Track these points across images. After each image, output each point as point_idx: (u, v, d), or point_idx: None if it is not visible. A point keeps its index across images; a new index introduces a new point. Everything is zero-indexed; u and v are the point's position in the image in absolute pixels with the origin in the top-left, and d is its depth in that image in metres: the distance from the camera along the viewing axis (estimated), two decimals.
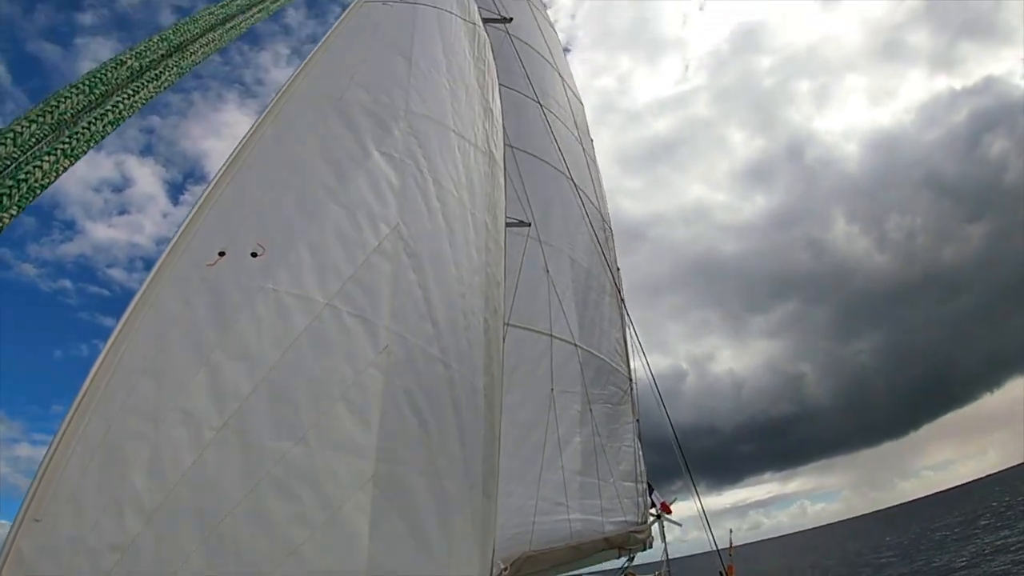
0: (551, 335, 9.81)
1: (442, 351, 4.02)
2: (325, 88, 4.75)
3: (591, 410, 10.02)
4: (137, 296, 3.21)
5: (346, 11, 5.70)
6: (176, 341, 3.17)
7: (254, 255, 3.58)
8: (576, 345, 10.23)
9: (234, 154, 4.02)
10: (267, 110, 4.38)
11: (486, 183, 5.25)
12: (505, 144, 9.27)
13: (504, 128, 7.33)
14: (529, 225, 9.70)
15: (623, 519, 9.74)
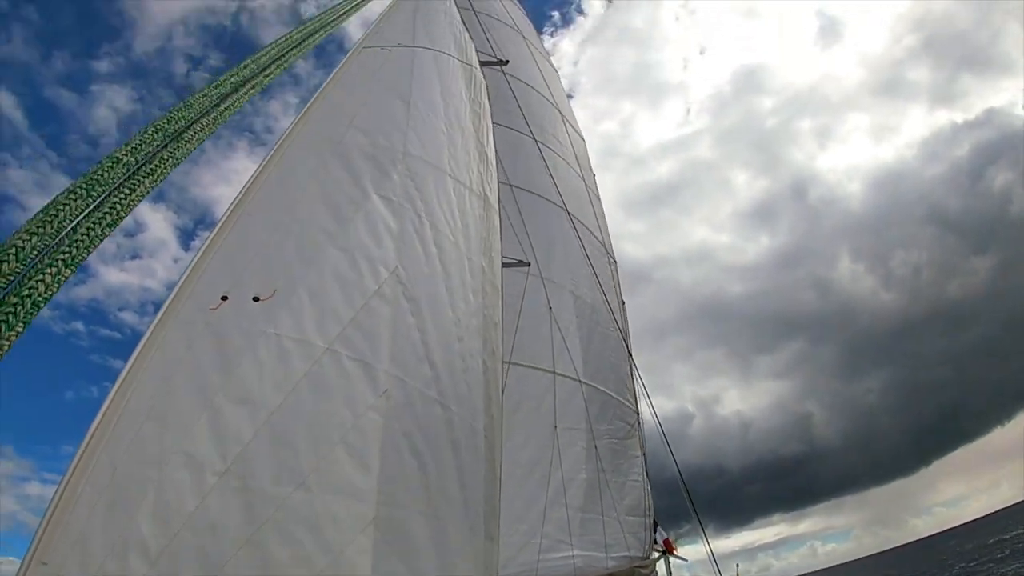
0: (554, 372, 9.81)
1: (441, 393, 4.05)
2: (325, 132, 4.83)
3: (596, 446, 9.97)
4: (143, 339, 3.25)
5: (347, 57, 5.82)
6: (180, 385, 3.20)
7: (256, 299, 3.63)
8: (580, 381, 10.21)
9: (237, 199, 4.09)
10: (269, 156, 4.45)
11: (481, 227, 5.33)
12: (505, 183, 9.41)
13: (504, 167, 7.41)
14: (529, 265, 9.76)
15: (627, 554, 9.63)
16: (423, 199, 4.84)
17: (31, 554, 2.46)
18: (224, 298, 3.56)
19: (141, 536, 2.70)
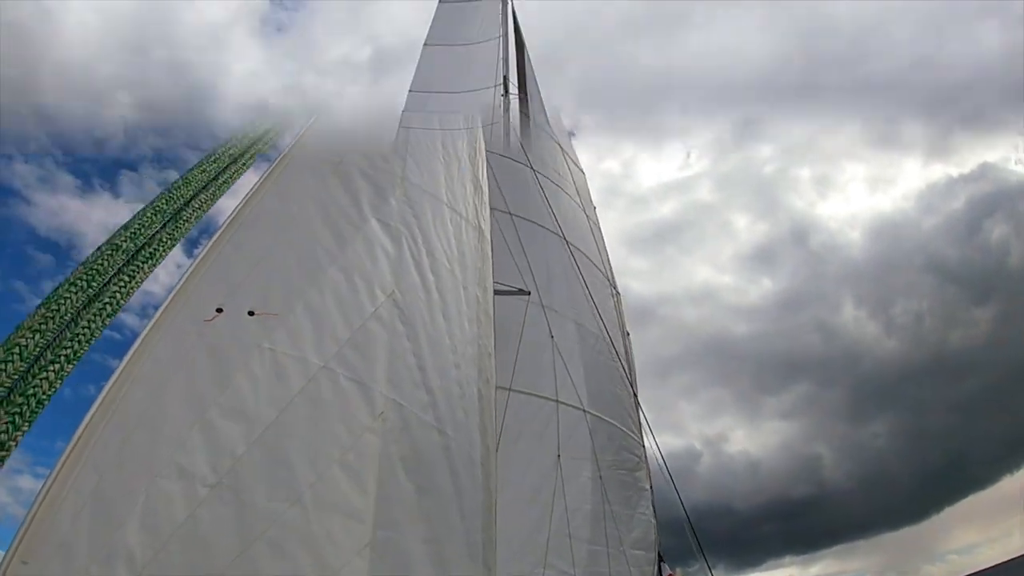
0: (557, 400, 9.69)
1: (437, 419, 4.03)
2: (325, 152, 4.91)
3: (601, 476, 9.79)
4: (135, 346, 3.26)
5: None
6: (172, 394, 3.21)
7: (251, 313, 3.64)
8: (585, 411, 10.05)
9: (235, 212, 4.13)
10: (268, 171, 4.52)
11: (476, 257, 5.38)
12: (505, 211, 9.44)
13: (503, 196, 7.44)
14: (528, 294, 9.72)
15: None
16: (420, 227, 4.89)
17: (12, 552, 2.45)
18: (219, 310, 3.58)
19: (128, 545, 2.69)
